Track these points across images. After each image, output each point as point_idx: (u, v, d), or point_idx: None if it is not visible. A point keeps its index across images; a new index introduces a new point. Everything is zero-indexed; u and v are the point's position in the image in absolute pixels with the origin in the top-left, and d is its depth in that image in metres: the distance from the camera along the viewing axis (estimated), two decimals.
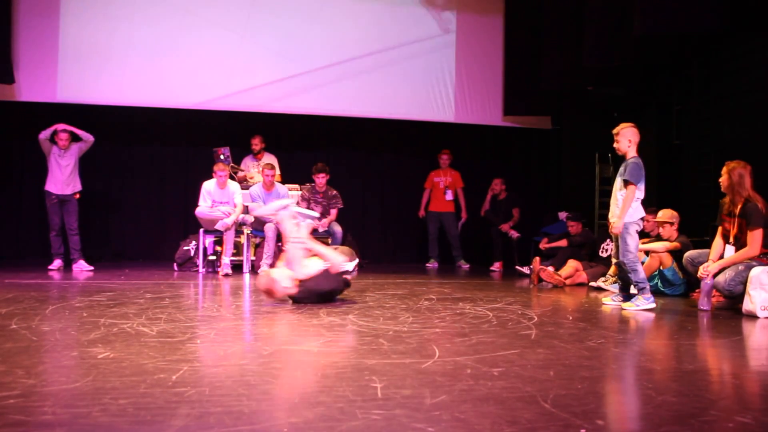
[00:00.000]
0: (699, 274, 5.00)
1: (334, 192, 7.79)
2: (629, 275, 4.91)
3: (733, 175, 4.90)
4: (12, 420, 1.94)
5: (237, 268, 7.29)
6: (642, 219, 5.01)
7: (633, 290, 5.02)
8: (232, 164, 7.84)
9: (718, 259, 4.97)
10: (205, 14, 8.61)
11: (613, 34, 7.02)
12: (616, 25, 6.94)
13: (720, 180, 5.02)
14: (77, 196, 7.38)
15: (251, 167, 8.34)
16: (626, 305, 4.88)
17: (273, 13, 8.80)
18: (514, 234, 8.71)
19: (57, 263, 7.18)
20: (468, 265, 8.75)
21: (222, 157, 7.78)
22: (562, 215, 8.47)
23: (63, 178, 7.27)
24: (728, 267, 4.84)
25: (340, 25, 8.96)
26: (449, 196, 8.93)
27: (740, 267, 4.78)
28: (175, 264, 7.55)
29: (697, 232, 6.50)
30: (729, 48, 7.18)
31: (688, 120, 7.82)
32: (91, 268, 7.20)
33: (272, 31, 8.78)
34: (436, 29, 9.26)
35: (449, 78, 9.30)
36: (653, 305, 4.86)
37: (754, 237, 4.78)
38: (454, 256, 8.93)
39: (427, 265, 8.84)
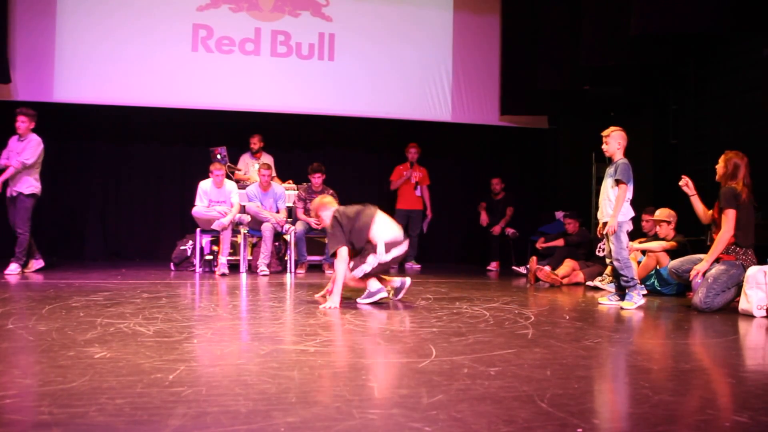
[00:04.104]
0: (690, 275, 5.03)
1: (331, 192, 7.78)
2: (621, 271, 4.96)
3: (728, 165, 4.94)
4: (9, 420, 1.94)
5: (234, 267, 7.28)
6: (632, 219, 5.10)
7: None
8: (228, 164, 7.84)
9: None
10: (203, 14, 8.60)
11: (610, 33, 7.03)
12: (612, 25, 6.95)
13: (716, 167, 5.05)
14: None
15: (249, 165, 8.34)
16: (625, 304, 4.91)
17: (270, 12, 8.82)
18: (510, 231, 8.72)
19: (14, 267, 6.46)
20: (419, 266, 8.56)
21: (219, 156, 7.77)
22: (559, 215, 8.48)
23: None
24: (703, 280, 4.86)
25: (338, 25, 8.96)
26: (419, 192, 8.68)
27: (709, 280, 4.79)
28: (171, 264, 7.54)
29: (694, 231, 6.51)
30: (725, 47, 7.20)
31: (685, 119, 7.84)
32: (19, 272, 6.49)
33: (269, 31, 8.78)
34: (433, 28, 9.26)
35: (446, 77, 9.30)
36: (643, 301, 4.94)
37: (727, 217, 4.82)
38: (407, 255, 8.70)
39: None
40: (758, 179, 5.21)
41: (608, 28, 7.02)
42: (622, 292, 5.09)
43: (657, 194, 7.91)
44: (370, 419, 2.01)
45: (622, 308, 4.88)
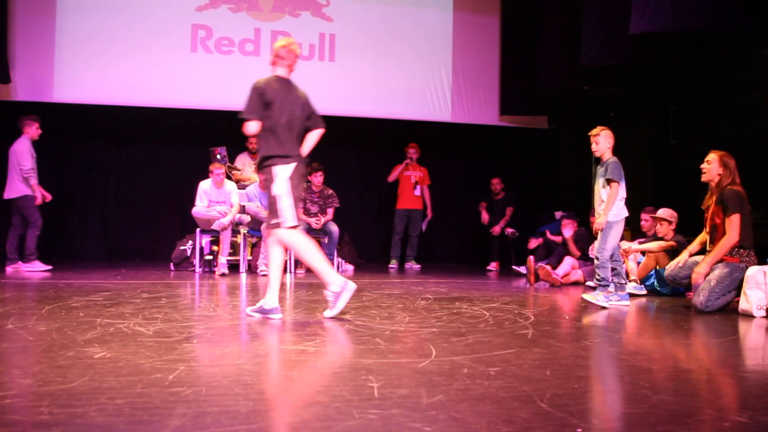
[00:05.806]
0: (692, 279, 4.98)
1: (330, 191, 7.79)
2: (597, 269, 4.96)
3: (728, 165, 4.85)
4: (8, 420, 1.93)
5: (233, 267, 7.28)
6: (629, 218, 5.09)
7: (629, 287, 5.08)
8: (228, 164, 7.84)
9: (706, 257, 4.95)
10: (202, 14, 8.60)
11: (610, 33, 7.03)
12: (612, 25, 6.95)
13: (706, 168, 4.92)
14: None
15: (247, 164, 8.35)
16: (587, 296, 4.94)
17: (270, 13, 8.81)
18: (510, 231, 8.72)
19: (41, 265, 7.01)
20: (419, 266, 8.59)
21: (218, 156, 7.77)
22: (559, 215, 8.48)
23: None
24: (705, 282, 4.79)
25: (338, 25, 8.96)
26: (418, 191, 8.71)
27: (711, 282, 4.73)
28: (171, 264, 7.54)
29: (693, 231, 6.50)
30: (725, 47, 7.20)
31: (685, 119, 7.85)
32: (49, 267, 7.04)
33: (269, 31, 8.77)
34: (433, 29, 9.26)
35: (446, 77, 9.30)
36: (606, 304, 4.87)
37: (732, 223, 4.72)
38: (407, 255, 8.75)
39: (390, 266, 8.56)
40: (759, 179, 5.20)
41: (608, 28, 7.02)
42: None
43: (656, 194, 7.91)
44: (369, 419, 2.01)
45: (582, 297, 4.95)
